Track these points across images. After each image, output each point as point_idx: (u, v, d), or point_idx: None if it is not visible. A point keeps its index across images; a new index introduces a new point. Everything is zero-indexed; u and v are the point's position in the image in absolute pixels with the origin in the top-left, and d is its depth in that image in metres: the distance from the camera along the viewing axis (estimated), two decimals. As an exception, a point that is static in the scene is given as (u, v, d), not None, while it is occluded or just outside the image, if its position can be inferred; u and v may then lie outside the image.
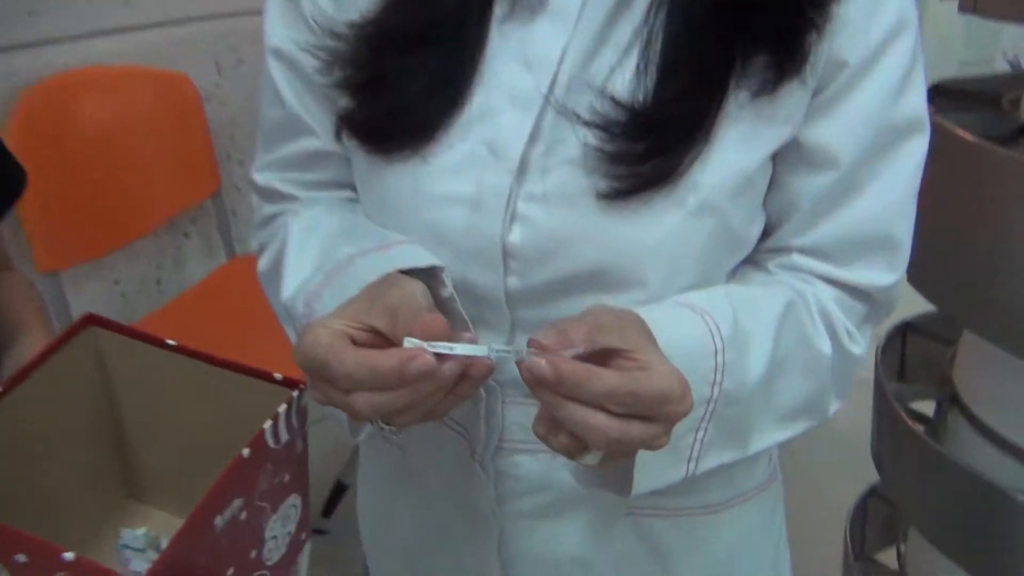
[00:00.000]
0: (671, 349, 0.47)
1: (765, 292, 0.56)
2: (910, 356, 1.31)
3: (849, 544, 1.30)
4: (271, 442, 0.47)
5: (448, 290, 0.54)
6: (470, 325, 0.55)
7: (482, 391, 0.60)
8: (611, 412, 0.43)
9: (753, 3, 0.50)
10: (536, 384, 0.43)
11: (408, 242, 0.57)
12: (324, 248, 0.59)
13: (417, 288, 0.50)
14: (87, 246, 1.54)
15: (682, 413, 0.44)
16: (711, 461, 0.53)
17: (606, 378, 0.43)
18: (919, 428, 1.09)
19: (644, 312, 0.50)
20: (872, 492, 1.38)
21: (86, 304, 1.62)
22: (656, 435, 0.44)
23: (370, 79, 0.56)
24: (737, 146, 0.53)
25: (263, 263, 0.65)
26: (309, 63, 0.59)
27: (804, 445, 0.80)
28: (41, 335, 0.68)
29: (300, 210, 0.65)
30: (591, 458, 0.45)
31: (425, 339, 0.44)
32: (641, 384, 0.43)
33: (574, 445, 0.45)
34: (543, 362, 0.43)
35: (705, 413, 0.52)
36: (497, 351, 0.45)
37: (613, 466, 0.48)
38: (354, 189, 0.64)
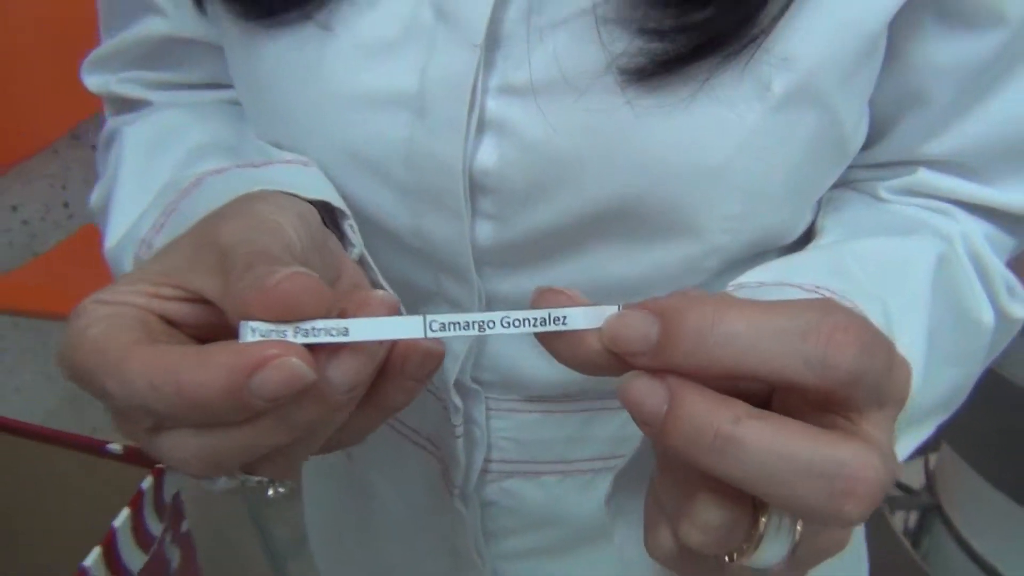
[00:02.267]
0: None
1: (905, 248, 0.36)
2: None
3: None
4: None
5: (356, 248, 0.34)
6: (387, 289, 0.33)
7: (456, 398, 0.41)
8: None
9: None
10: (626, 352, 0.23)
11: (302, 163, 0.36)
12: (176, 171, 0.37)
13: (282, 211, 0.27)
14: (-30, 169, 1.30)
15: (903, 387, 0.24)
16: None
17: (768, 310, 0.22)
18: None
19: None
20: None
21: (-20, 237, 1.39)
22: (890, 451, 0.23)
23: None
24: None
25: (94, 196, 0.43)
26: None
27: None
28: None
29: (146, 116, 0.43)
30: (772, 546, 0.23)
31: (281, 320, 0.22)
32: (843, 322, 0.22)
33: (729, 523, 0.23)
34: (631, 312, 0.23)
35: None
36: (445, 325, 0.24)
37: (807, 565, 0.24)
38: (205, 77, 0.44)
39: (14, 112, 1.34)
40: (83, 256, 1.39)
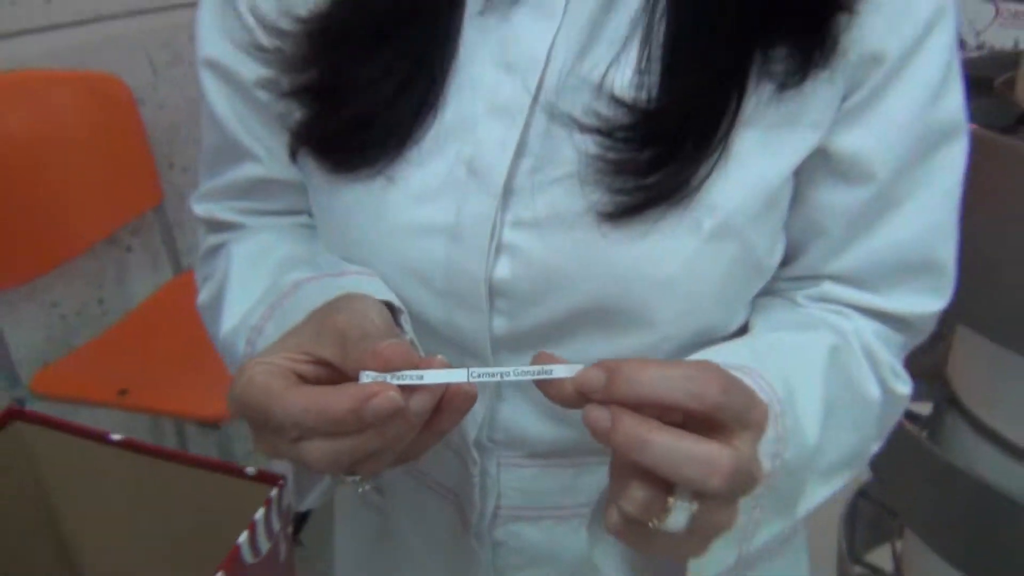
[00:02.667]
0: None
1: (806, 338, 0.49)
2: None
3: (844, 547, 1.25)
4: (248, 557, 0.39)
5: (408, 335, 0.46)
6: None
7: (475, 454, 0.53)
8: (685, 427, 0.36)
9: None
10: (586, 392, 0.36)
11: (367, 274, 0.49)
12: (272, 278, 0.51)
13: (371, 308, 0.41)
14: (19, 268, 1.42)
15: (762, 418, 0.37)
16: (762, 538, 0.45)
17: (671, 365, 0.35)
18: (916, 430, 1.05)
19: None
20: (862, 493, 1.34)
21: (23, 331, 1.50)
22: (750, 457, 0.36)
23: (320, 86, 0.47)
24: (759, 153, 0.45)
25: (203, 296, 0.57)
26: (249, 73, 0.51)
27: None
28: None
29: (246, 236, 0.56)
30: (677, 514, 0.35)
31: (384, 371, 0.36)
32: (713, 373, 0.36)
33: (650, 498, 0.35)
34: (590, 368, 0.36)
35: (763, 490, 0.43)
36: (480, 374, 0.37)
37: (706, 535, 0.37)
38: (312, 215, 0.56)
39: (61, 218, 1.48)
40: (115, 350, 1.51)
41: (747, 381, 0.39)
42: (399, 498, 0.59)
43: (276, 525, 0.40)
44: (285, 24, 0.48)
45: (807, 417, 0.44)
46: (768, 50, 0.44)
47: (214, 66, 0.53)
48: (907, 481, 1.08)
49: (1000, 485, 0.95)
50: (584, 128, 0.44)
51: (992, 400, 1.03)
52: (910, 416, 1.12)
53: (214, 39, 0.53)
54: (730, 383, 0.35)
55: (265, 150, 0.54)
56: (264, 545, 0.39)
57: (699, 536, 0.36)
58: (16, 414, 0.46)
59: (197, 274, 0.60)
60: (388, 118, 0.46)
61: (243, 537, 0.38)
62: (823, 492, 0.49)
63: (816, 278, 0.52)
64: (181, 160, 1.80)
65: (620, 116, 0.44)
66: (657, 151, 0.43)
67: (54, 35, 1.52)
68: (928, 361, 1.19)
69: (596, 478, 0.53)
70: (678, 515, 0.35)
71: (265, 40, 0.50)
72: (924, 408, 1.15)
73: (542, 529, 0.55)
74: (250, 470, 0.41)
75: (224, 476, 0.42)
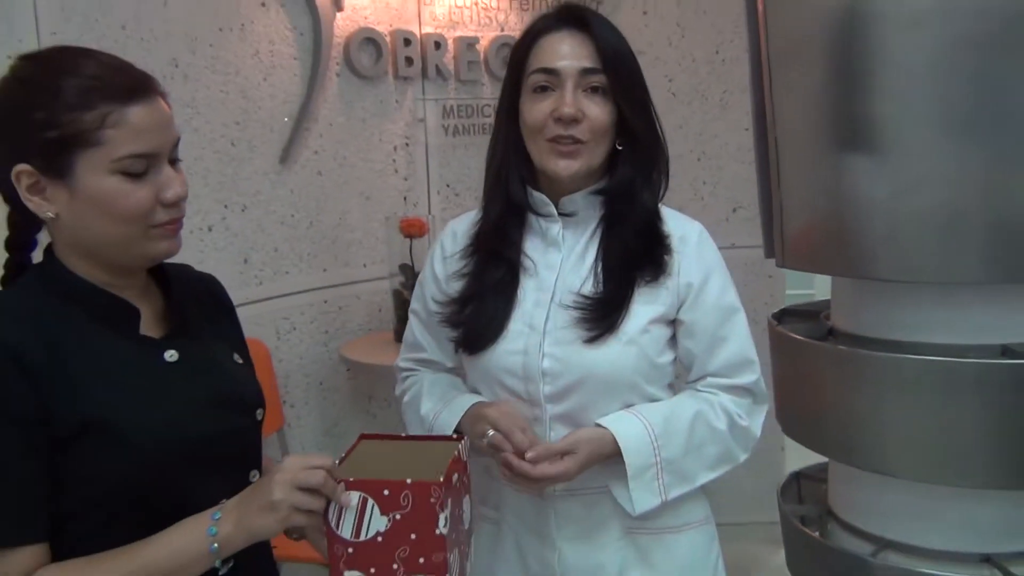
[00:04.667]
0: (628, 440, 1.08)
1: (686, 403, 1.16)
2: (805, 495, 1.87)
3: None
4: (463, 456, 0.98)
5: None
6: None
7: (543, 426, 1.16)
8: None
9: (642, 251, 1.16)
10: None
11: (475, 397, 1.19)
12: (440, 397, 1.22)
13: (504, 406, 1.17)
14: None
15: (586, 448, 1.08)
16: (674, 492, 1.11)
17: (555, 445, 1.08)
18: (812, 532, 1.63)
19: (611, 423, 1.10)
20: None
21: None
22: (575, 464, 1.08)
23: (463, 321, 1.19)
24: (639, 311, 1.15)
25: (406, 398, 1.29)
26: (429, 315, 1.26)
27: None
28: None
29: (426, 375, 1.29)
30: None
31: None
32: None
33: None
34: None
35: (657, 469, 1.10)
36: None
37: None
38: (445, 369, 1.29)
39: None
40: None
41: (638, 422, 1.09)
42: (511, 505, 1.21)
43: (465, 453, 1.01)
44: (448, 295, 1.21)
45: (676, 441, 1.11)
46: (641, 269, 1.15)
47: (415, 312, 1.29)
48: (808, 566, 1.65)
49: (853, 551, 1.52)
50: (572, 307, 1.14)
51: (848, 506, 1.63)
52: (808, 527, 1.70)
53: (415, 301, 1.28)
54: (575, 441, 1.08)
55: (429, 346, 1.28)
56: (465, 455, 0.99)
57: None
58: (365, 436, 1.06)
59: (398, 388, 1.31)
60: (495, 326, 1.16)
61: (461, 444, 0.98)
62: (711, 475, 1.15)
63: (704, 376, 1.20)
64: (290, 399, 2.48)
65: (587, 302, 1.13)
66: (603, 312, 1.13)
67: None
68: (820, 494, 1.79)
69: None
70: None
71: (436, 307, 1.23)
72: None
73: (577, 500, 1.16)
74: (454, 436, 1.04)
75: (441, 441, 1.04)
